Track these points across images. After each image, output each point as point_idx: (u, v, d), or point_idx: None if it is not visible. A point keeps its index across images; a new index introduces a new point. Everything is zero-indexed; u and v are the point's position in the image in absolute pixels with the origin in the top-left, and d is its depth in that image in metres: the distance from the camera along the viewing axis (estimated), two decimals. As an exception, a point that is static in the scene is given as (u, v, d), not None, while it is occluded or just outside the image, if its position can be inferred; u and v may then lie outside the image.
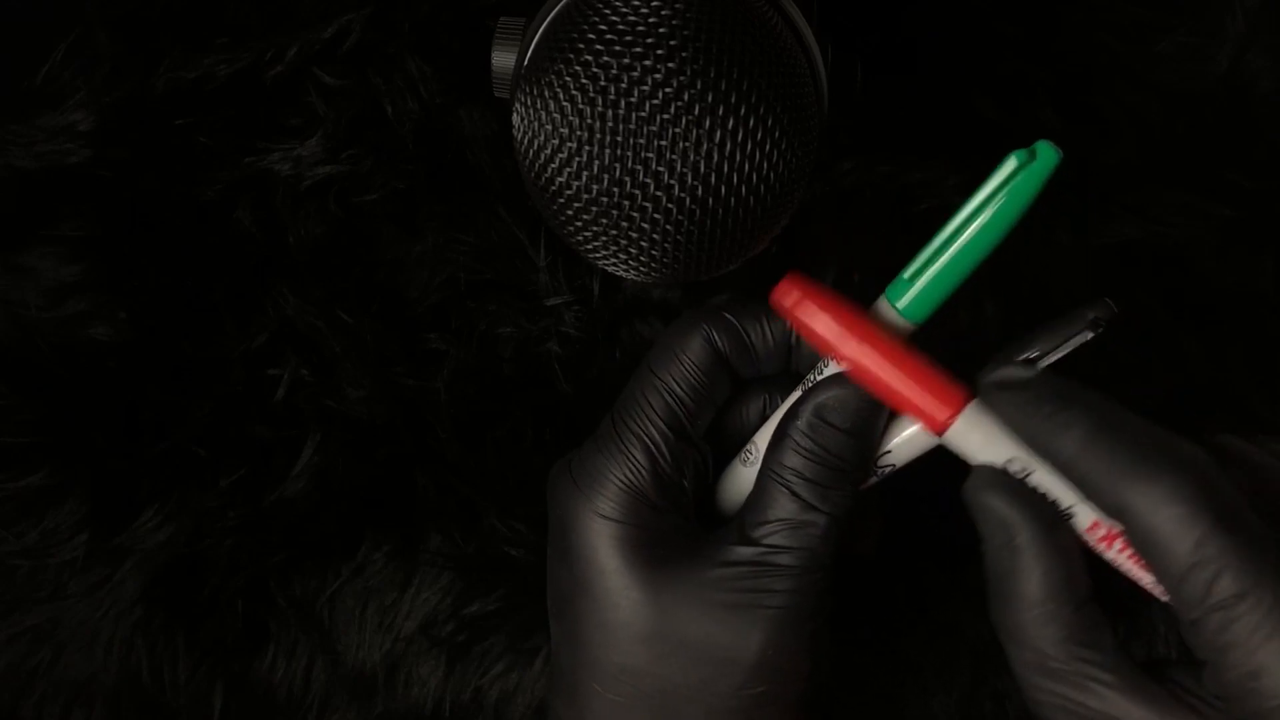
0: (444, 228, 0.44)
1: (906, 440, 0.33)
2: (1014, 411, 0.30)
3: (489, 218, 0.44)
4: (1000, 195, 0.30)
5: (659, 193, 0.32)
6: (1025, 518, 0.29)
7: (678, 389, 0.34)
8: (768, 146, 0.32)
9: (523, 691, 0.45)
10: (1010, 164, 0.30)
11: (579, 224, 0.33)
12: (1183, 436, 0.29)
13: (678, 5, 0.32)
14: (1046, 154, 0.29)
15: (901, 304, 0.32)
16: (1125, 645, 0.29)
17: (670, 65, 0.31)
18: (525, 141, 0.33)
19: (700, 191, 0.32)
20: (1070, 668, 0.29)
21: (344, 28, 0.44)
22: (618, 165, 0.32)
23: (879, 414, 0.33)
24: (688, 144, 0.31)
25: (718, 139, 0.31)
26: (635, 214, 0.32)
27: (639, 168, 0.32)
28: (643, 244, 0.33)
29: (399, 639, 0.45)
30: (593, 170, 0.32)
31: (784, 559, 0.32)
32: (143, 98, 0.44)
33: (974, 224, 0.30)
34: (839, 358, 0.32)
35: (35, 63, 0.44)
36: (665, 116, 0.31)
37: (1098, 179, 0.44)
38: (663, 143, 0.31)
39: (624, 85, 0.31)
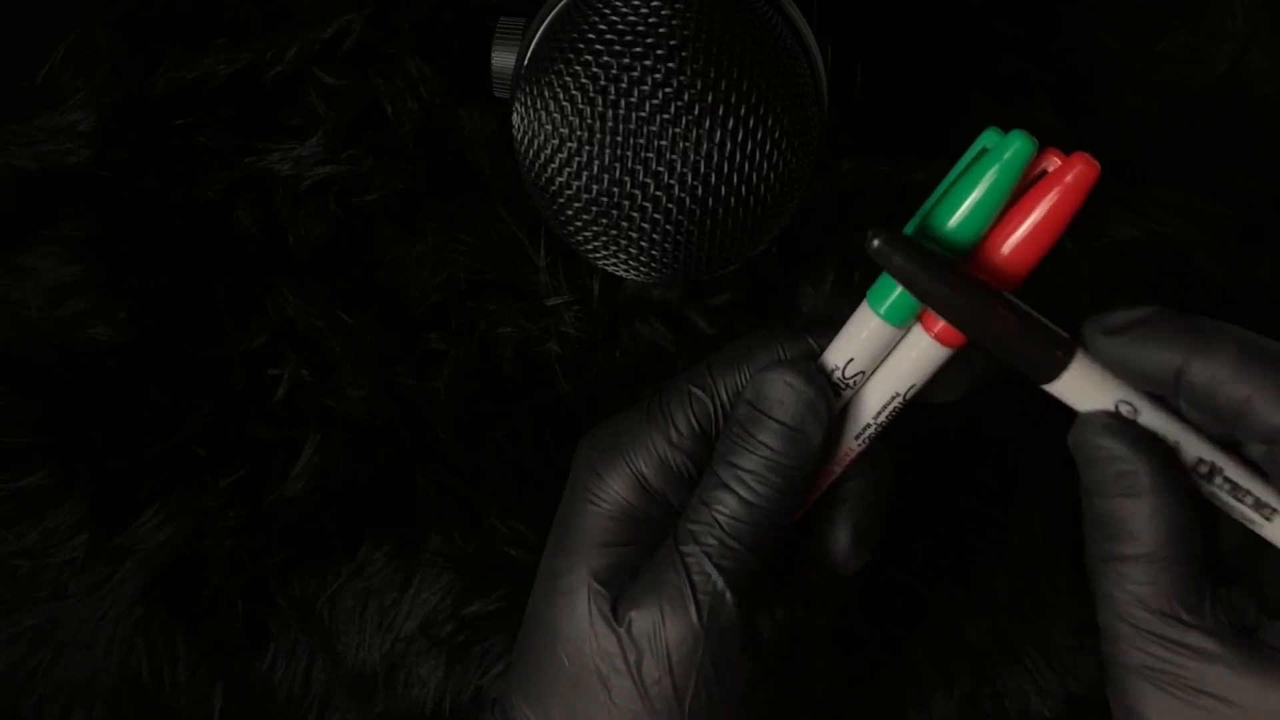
0: (444, 228, 0.44)
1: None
2: (1138, 347, 0.28)
3: (489, 218, 0.44)
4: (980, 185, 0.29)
5: (659, 193, 0.32)
6: (1146, 459, 0.28)
7: (724, 396, 0.33)
8: (768, 146, 0.32)
9: (523, 691, 0.45)
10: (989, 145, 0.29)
11: (579, 224, 0.33)
12: None
13: (678, 5, 0.32)
14: (1020, 144, 0.28)
15: (883, 309, 0.31)
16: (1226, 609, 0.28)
17: (670, 65, 0.31)
18: (525, 141, 0.33)
19: (700, 191, 0.32)
20: (1164, 616, 0.28)
21: (344, 28, 0.44)
22: (618, 165, 0.32)
23: (819, 403, 0.31)
24: (688, 144, 0.31)
25: (718, 139, 0.31)
26: (635, 214, 0.32)
27: (639, 168, 0.32)
28: (643, 244, 0.33)
29: (399, 639, 0.45)
30: (593, 170, 0.32)
31: (712, 552, 0.31)
32: (143, 98, 0.44)
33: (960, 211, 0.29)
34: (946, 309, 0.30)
35: (35, 63, 0.44)
36: (665, 116, 0.31)
37: (1098, 179, 0.44)
38: (663, 143, 0.31)
39: (624, 85, 0.31)
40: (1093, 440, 0.29)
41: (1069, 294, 0.44)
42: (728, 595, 0.30)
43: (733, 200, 0.32)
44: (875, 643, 0.45)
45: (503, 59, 0.36)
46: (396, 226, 0.44)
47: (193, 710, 0.45)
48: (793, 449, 0.31)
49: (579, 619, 0.31)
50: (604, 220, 0.33)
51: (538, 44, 0.34)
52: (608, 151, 0.32)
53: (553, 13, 0.34)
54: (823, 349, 0.33)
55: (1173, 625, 0.28)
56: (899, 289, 0.30)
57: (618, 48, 0.31)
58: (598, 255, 0.34)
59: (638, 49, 0.31)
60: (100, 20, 0.44)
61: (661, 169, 0.31)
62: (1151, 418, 0.29)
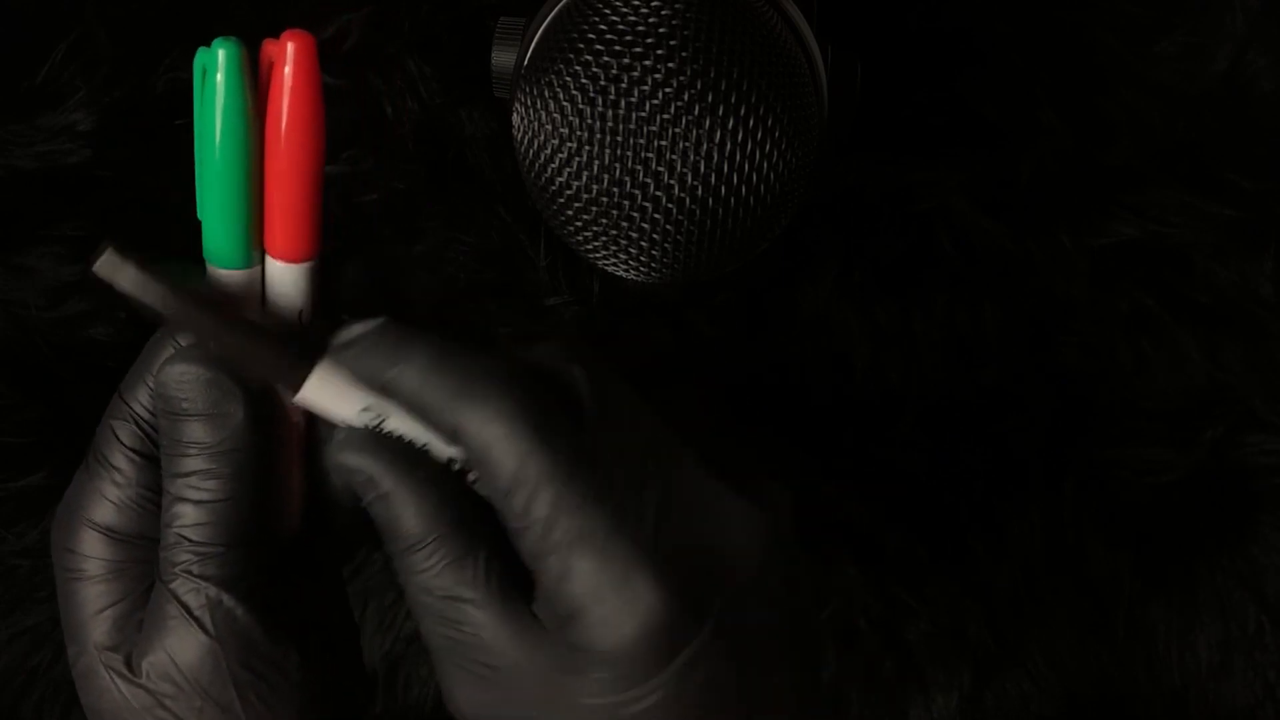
0: (444, 228, 0.44)
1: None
2: (361, 359, 0.30)
3: (489, 218, 0.44)
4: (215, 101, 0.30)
5: (659, 193, 0.32)
6: (385, 464, 0.30)
7: (144, 414, 0.32)
8: (768, 146, 0.32)
9: (523, 691, 0.45)
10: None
11: (579, 224, 0.33)
12: (515, 360, 0.30)
13: (678, 5, 0.32)
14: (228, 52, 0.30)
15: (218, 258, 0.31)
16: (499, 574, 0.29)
17: (670, 65, 0.31)
18: (525, 141, 0.33)
19: (700, 191, 0.32)
20: (446, 597, 0.29)
21: (344, 28, 0.44)
22: (618, 165, 0.32)
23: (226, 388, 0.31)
24: (688, 144, 0.31)
25: (718, 139, 0.31)
26: (635, 214, 0.32)
27: (639, 168, 0.32)
28: (643, 244, 0.33)
29: (399, 639, 0.45)
30: (593, 170, 0.32)
31: (192, 568, 0.30)
32: (143, 98, 0.44)
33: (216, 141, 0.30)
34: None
35: (35, 63, 0.44)
36: (665, 116, 0.31)
37: (1098, 179, 0.44)
38: (663, 143, 0.31)
39: (624, 85, 0.31)
40: (332, 457, 0.30)
41: (1069, 294, 0.44)
42: (224, 599, 0.30)
43: (733, 200, 0.32)
44: (876, 642, 0.45)
45: (503, 59, 0.36)
46: (396, 226, 0.44)
47: (193, 710, 0.45)
48: (221, 432, 0.30)
49: (107, 691, 0.31)
50: (604, 220, 0.33)
51: (538, 44, 0.34)
52: (607, 151, 0.32)
53: (553, 13, 0.34)
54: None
55: (451, 604, 0.29)
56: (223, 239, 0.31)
57: (617, 48, 0.31)
58: (598, 255, 0.34)
59: (638, 49, 0.31)
60: (100, 20, 0.44)
61: (661, 169, 0.31)
62: (400, 422, 0.30)
